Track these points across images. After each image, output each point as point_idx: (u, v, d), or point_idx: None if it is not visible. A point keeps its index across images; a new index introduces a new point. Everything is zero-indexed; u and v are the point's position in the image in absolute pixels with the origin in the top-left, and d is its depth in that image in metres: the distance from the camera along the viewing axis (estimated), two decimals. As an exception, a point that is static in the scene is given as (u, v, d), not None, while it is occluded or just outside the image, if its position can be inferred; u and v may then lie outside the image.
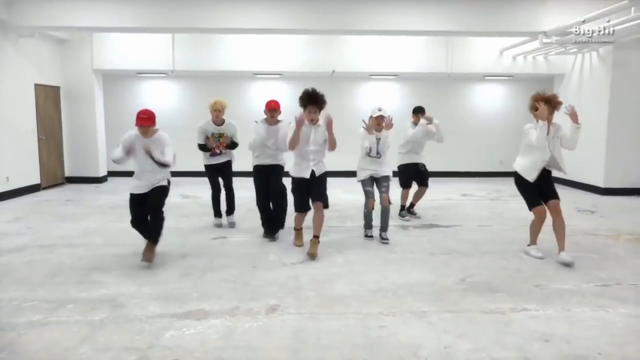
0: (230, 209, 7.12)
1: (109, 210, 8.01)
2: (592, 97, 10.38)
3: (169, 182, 5.40)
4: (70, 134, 11.31)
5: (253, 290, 4.45)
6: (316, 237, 5.58)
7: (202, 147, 6.79)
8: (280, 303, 4.15)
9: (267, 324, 3.75)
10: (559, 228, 5.39)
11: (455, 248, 5.94)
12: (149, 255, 5.09)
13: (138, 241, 5.98)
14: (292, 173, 5.69)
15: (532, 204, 5.51)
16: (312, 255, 5.44)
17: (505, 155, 12.55)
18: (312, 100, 5.36)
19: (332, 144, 5.52)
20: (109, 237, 6.23)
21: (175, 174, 11.97)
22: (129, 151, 5.04)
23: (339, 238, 6.34)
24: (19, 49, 9.43)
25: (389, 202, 6.24)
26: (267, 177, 6.24)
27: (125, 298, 4.23)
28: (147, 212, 5.18)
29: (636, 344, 3.48)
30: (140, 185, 5.18)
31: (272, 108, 6.10)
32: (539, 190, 5.47)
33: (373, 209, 6.28)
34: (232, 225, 7.04)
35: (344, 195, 9.16)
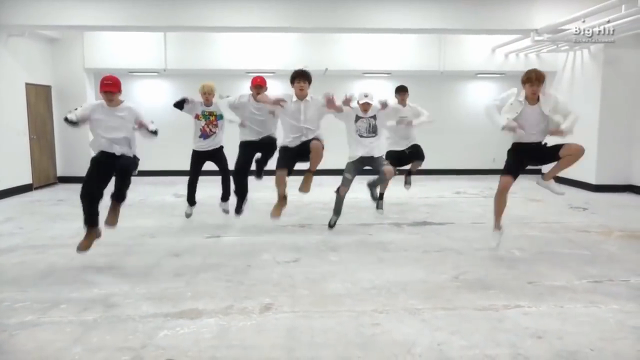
0: (226, 195, 7.00)
1: (101, 210, 7.96)
2: (584, 95, 10.44)
3: (135, 157, 5.10)
4: (62, 134, 11.23)
5: (247, 289, 4.44)
6: (310, 171, 5.75)
7: (178, 104, 6.73)
8: (274, 302, 4.15)
9: (261, 322, 3.75)
10: (563, 163, 5.19)
11: (448, 245, 5.96)
12: (111, 218, 4.99)
13: (130, 241, 5.99)
14: (282, 143, 5.75)
15: (507, 169, 5.26)
16: (303, 192, 5.72)
17: (498, 153, 12.58)
18: (300, 75, 5.40)
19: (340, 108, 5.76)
20: (101, 236, 6.19)
21: (168, 173, 12.00)
22: (83, 119, 4.86)
23: (333, 236, 6.35)
24: (9, 49, 9.36)
25: (395, 172, 6.27)
26: (256, 151, 6.32)
27: (118, 298, 4.21)
28: (106, 182, 4.95)
29: (627, 339, 3.50)
30: (102, 144, 4.87)
31: (257, 84, 5.98)
32: (541, 161, 5.31)
33: (346, 192, 6.39)
34: (225, 212, 6.97)
35: (338, 194, 9.16)
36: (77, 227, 6.78)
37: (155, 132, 4.97)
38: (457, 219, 7.48)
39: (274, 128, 6.34)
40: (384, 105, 5.95)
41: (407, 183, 7.80)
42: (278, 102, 5.39)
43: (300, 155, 5.73)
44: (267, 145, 6.30)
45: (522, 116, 5.09)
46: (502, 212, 5.40)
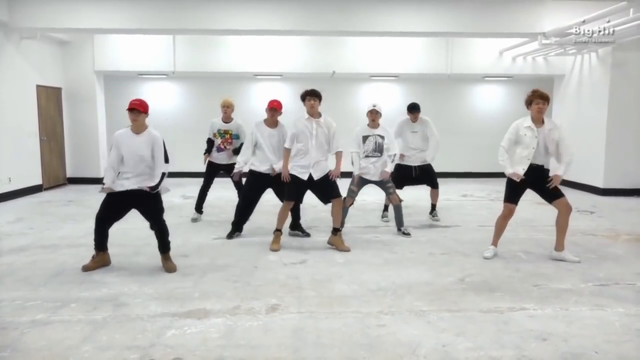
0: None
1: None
2: (592, 98, 10.41)
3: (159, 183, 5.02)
4: (72, 135, 11.36)
5: (254, 290, 4.49)
6: (337, 230, 5.88)
7: (209, 143, 7.24)
8: (281, 302, 4.19)
9: (268, 322, 3.79)
10: (562, 226, 5.41)
11: (454, 248, 5.98)
12: (169, 266, 5.08)
13: (139, 242, 6.05)
14: (290, 170, 5.85)
15: (508, 198, 5.51)
16: (346, 250, 5.78)
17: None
18: (311, 92, 5.72)
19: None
20: (110, 237, 6.21)
21: (176, 174, 12.09)
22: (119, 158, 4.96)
23: (339, 238, 6.37)
24: (21, 51, 9.48)
25: (400, 200, 6.55)
26: (264, 187, 6.27)
27: (127, 297, 4.27)
28: (122, 215, 5.09)
29: (633, 342, 3.51)
30: (123, 184, 4.94)
31: (273, 107, 6.11)
32: (540, 192, 5.45)
33: (351, 205, 6.56)
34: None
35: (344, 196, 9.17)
36: (86, 227, 6.87)
37: (161, 179, 4.94)
38: (463, 221, 7.49)
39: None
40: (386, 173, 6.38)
41: (434, 216, 7.51)
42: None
43: (309, 187, 5.90)
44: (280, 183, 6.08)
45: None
46: (501, 234, 5.69)
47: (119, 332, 3.59)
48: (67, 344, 3.41)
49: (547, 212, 8.10)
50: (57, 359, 3.22)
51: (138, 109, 4.84)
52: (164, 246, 5.15)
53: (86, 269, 5.02)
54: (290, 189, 5.85)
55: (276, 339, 3.52)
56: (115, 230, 6.27)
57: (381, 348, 3.38)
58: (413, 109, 7.21)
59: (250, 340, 3.50)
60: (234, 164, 6.99)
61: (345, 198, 6.44)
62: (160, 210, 5.10)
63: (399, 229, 6.64)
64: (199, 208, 7.48)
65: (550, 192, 5.35)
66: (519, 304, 4.17)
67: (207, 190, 7.43)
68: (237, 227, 6.44)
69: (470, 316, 3.92)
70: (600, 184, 10.12)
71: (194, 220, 7.41)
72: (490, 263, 5.36)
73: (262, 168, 6.17)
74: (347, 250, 5.78)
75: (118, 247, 5.77)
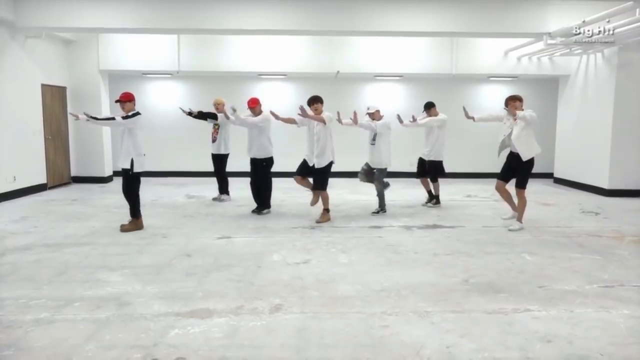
0: (220, 189, 9.04)
1: (115, 209, 8.07)
2: (597, 98, 10.36)
3: (132, 165, 6.42)
4: (77, 134, 11.37)
5: (257, 290, 4.48)
6: (326, 210, 7.24)
7: (204, 116, 8.79)
8: (284, 302, 4.18)
9: (271, 322, 3.78)
10: (519, 206, 6.89)
11: (458, 248, 5.95)
12: (126, 227, 6.52)
13: (142, 241, 6.07)
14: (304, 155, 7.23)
15: (499, 173, 7.09)
16: (320, 223, 7.08)
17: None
18: (314, 99, 7.08)
19: (316, 119, 6.97)
20: (114, 236, 6.28)
21: (180, 174, 12.12)
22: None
23: (343, 238, 6.37)
24: (26, 50, 9.51)
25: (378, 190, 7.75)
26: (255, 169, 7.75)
27: (130, 296, 4.27)
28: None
29: (638, 344, 3.49)
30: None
31: (251, 108, 7.62)
32: (515, 175, 6.85)
33: (363, 180, 7.89)
34: (219, 200, 8.92)
35: (349, 196, 9.17)
36: (90, 226, 6.91)
37: (104, 120, 6.99)
38: (467, 222, 7.46)
39: (262, 146, 7.58)
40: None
41: (429, 201, 8.67)
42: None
43: (310, 171, 7.18)
44: (259, 163, 7.67)
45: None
46: (508, 200, 7.14)
47: (122, 331, 3.59)
48: (71, 342, 3.41)
49: (551, 212, 8.10)
50: (61, 357, 3.22)
51: (121, 100, 6.44)
52: (132, 212, 6.57)
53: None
54: (299, 166, 7.22)
55: (279, 339, 3.52)
56: (118, 229, 6.32)
57: (385, 349, 3.37)
58: (427, 106, 8.39)
59: (254, 340, 3.50)
60: (222, 154, 8.79)
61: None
62: (133, 185, 6.51)
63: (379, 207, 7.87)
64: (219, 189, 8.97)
65: (519, 179, 6.75)
66: (523, 305, 4.16)
67: (215, 175, 8.96)
68: (258, 202, 7.79)
69: (474, 317, 3.91)
70: (605, 184, 10.06)
71: (213, 198, 8.92)
72: (494, 264, 5.33)
73: (250, 155, 7.72)
74: (322, 221, 7.07)
75: (122, 246, 5.78)
